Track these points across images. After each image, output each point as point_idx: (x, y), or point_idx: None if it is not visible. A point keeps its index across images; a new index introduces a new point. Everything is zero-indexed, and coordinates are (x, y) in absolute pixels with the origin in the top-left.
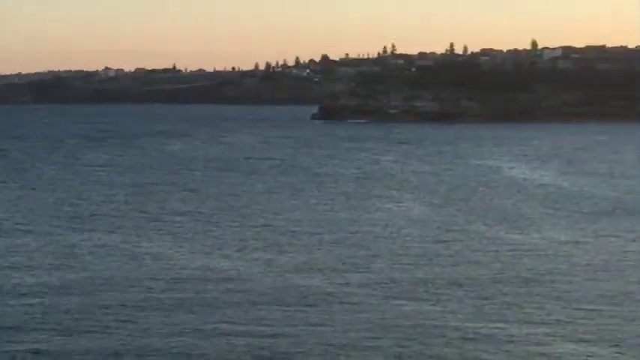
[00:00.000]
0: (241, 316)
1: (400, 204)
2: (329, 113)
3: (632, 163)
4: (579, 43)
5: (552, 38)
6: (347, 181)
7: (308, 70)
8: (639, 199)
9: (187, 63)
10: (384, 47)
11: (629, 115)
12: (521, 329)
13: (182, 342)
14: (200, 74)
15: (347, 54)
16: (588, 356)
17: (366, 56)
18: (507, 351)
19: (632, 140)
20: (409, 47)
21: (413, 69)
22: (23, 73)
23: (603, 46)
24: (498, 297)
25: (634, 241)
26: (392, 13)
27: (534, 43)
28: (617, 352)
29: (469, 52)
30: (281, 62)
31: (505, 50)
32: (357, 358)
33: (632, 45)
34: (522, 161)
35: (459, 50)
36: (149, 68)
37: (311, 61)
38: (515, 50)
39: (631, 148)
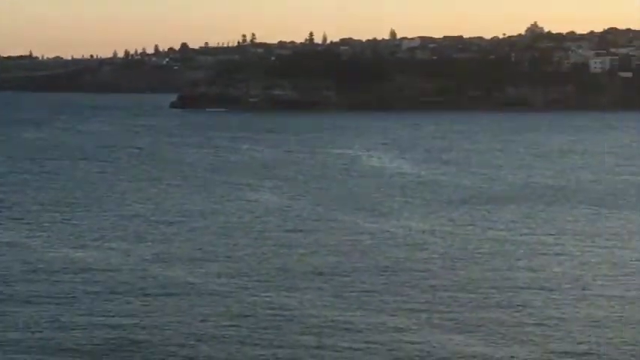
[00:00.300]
0: (99, 307)
1: (260, 193)
2: (188, 102)
3: (489, 151)
4: (437, 33)
5: (411, 28)
6: (206, 170)
7: (167, 59)
8: (496, 187)
9: (44, 50)
10: (244, 36)
11: (485, 104)
12: (380, 317)
13: (39, 334)
14: (57, 61)
15: (206, 43)
16: (444, 343)
17: (225, 45)
18: (366, 339)
19: (488, 129)
20: (269, 36)
21: (272, 58)
22: None
23: (460, 37)
24: (357, 285)
25: (490, 229)
26: (252, 1)
27: (393, 33)
28: (472, 339)
29: (329, 42)
30: (140, 50)
31: (364, 40)
32: (215, 347)
33: (488, 36)
34: (381, 150)
35: (318, 40)
36: (4, 55)
37: (170, 49)
38: (375, 40)
39: (488, 138)
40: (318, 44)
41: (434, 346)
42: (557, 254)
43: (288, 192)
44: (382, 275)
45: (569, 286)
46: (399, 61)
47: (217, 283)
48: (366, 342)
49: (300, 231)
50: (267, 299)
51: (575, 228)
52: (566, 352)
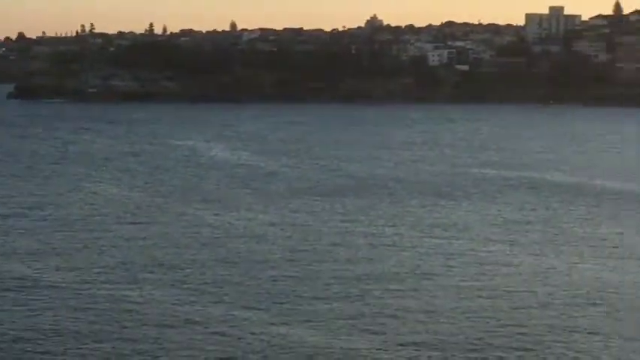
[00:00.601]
0: None
1: (100, 184)
2: (25, 92)
3: (331, 143)
4: (278, 25)
5: (251, 20)
6: (44, 161)
7: (3, 49)
8: (337, 179)
9: None
10: (82, 26)
11: (326, 96)
12: (220, 309)
13: None
14: None
15: (44, 32)
16: (284, 334)
17: (64, 35)
18: (206, 331)
19: (329, 121)
20: (108, 27)
21: (112, 48)
22: None
23: (301, 29)
24: (197, 277)
25: (331, 220)
26: None
27: (233, 25)
28: (312, 330)
29: (169, 33)
30: None
31: (205, 31)
32: (53, 340)
33: (328, 28)
34: (222, 142)
35: (158, 31)
36: None
37: (7, 39)
38: (215, 32)
39: (329, 129)
40: (158, 35)
41: (274, 337)
42: (396, 245)
43: (129, 183)
44: (222, 267)
45: (407, 276)
46: (239, 52)
47: (55, 276)
48: (207, 334)
49: (140, 223)
50: (107, 292)
51: (414, 219)
52: (404, 343)
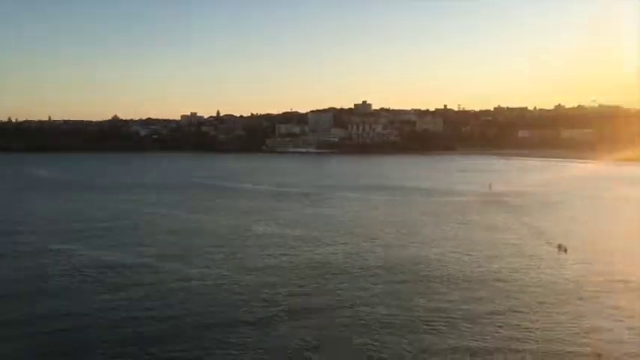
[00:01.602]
0: None
1: (34, 194)
2: None
3: (134, 170)
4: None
5: (100, 115)
6: None
7: None
8: (139, 183)
9: None
10: (9, 117)
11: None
12: (73, 244)
13: None
14: None
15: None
16: (107, 255)
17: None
18: (58, 258)
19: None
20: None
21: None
22: None
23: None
24: (64, 228)
25: (136, 199)
26: None
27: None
28: (124, 254)
29: (60, 120)
30: None
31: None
32: None
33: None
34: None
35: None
36: None
37: None
38: (83, 121)
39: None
40: (53, 121)
41: (101, 259)
42: (166, 213)
43: (45, 194)
44: (79, 223)
45: (165, 228)
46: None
47: None
48: (59, 259)
49: (52, 201)
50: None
51: (165, 200)
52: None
